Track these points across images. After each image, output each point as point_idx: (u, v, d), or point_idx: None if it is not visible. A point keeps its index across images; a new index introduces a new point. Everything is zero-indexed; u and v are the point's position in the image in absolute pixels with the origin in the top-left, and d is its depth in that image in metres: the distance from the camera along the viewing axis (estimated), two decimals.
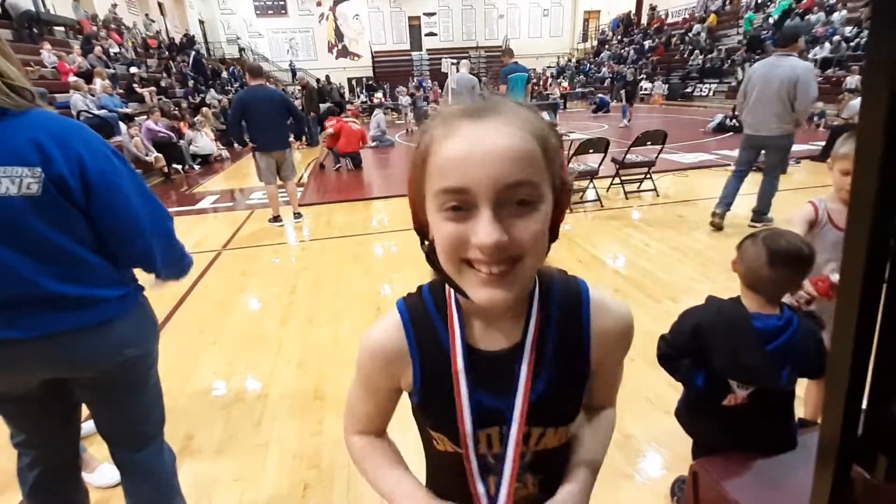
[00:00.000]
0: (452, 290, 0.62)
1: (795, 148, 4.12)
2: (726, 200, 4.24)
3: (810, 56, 12.17)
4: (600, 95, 16.48)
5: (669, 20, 22.22)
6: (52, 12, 12.05)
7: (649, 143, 5.24)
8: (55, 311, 1.05)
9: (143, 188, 1.16)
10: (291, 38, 24.16)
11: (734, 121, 9.57)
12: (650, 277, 3.39)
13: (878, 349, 0.38)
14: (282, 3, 23.50)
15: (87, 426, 1.78)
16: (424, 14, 25.14)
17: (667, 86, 17.62)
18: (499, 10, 25.60)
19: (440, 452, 0.66)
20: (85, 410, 1.31)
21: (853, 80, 10.58)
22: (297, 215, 5.25)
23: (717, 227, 4.26)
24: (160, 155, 8.02)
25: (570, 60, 24.94)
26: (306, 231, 5.03)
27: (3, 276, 0.99)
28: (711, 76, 16.35)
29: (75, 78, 8.58)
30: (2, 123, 0.96)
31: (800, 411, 1.81)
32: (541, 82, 19.09)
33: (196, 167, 9.16)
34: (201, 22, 22.26)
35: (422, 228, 0.57)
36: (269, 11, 23.52)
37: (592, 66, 22.59)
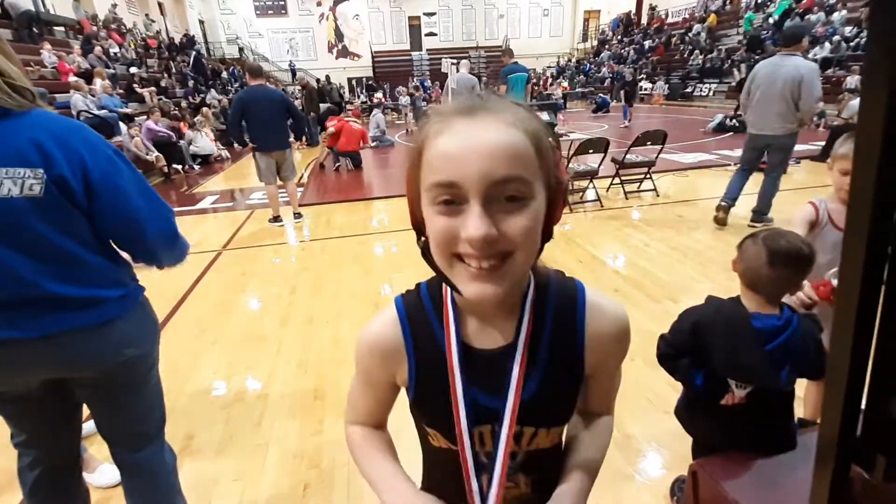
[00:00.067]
0: (449, 288, 0.62)
1: (796, 148, 4.12)
2: (730, 196, 4.25)
3: (810, 56, 12.16)
4: (601, 95, 16.49)
5: (669, 20, 22.23)
6: (51, 12, 12.05)
7: (649, 143, 5.24)
8: (56, 312, 1.05)
9: (146, 187, 1.15)
10: (291, 38, 24.17)
11: (734, 121, 9.57)
12: (650, 277, 3.39)
13: (876, 349, 0.38)
14: (282, 3, 23.51)
15: (88, 426, 1.78)
16: (424, 14, 25.15)
17: (667, 86, 17.61)
18: (499, 10, 25.60)
19: (435, 448, 0.67)
20: (85, 410, 1.31)
21: (853, 80, 10.58)
22: (298, 215, 5.25)
23: (721, 223, 4.28)
24: (160, 154, 8.02)
25: (570, 60, 24.95)
26: (306, 231, 5.03)
27: (3, 277, 0.99)
28: (711, 76, 16.35)
29: (75, 78, 8.58)
30: (3, 123, 0.96)
31: (799, 411, 1.81)
32: (541, 82, 19.08)
33: (196, 167, 9.16)
34: (201, 22, 22.27)
35: (418, 224, 0.57)
36: (269, 11, 23.52)
37: (592, 66, 22.59)
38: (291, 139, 5.09)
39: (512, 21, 25.77)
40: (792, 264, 1.17)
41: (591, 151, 5.04)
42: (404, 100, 15.77)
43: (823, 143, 6.90)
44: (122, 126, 8.06)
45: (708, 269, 3.48)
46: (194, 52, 16.77)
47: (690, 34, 19.04)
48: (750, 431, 1.29)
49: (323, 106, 11.54)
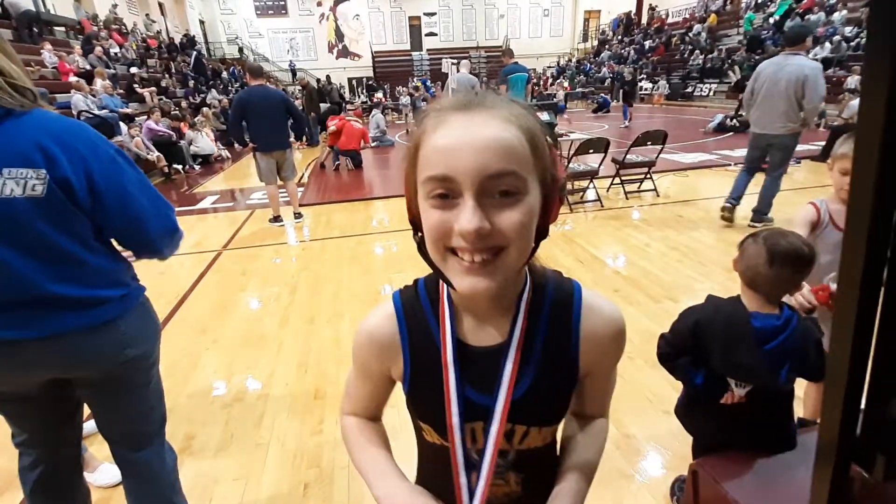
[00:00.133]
0: (445, 285, 0.63)
1: (796, 148, 4.13)
2: (735, 194, 4.28)
3: (810, 56, 12.14)
4: (603, 95, 16.48)
5: (670, 20, 22.22)
6: (52, 12, 12.06)
7: (649, 143, 5.24)
8: (57, 312, 1.05)
9: (148, 186, 1.16)
10: (292, 38, 24.16)
11: (734, 121, 9.57)
12: (650, 277, 3.39)
13: (876, 349, 0.38)
14: (282, 3, 23.51)
15: (88, 426, 1.78)
16: (425, 14, 25.14)
17: (668, 86, 17.60)
18: (499, 10, 25.60)
19: (428, 443, 0.68)
20: (86, 410, 1.31)
21: (853, 80, 10.58)
22: (298, 215, 5.25)
23: (728, 221, 4.31)
24: (160, 154, 8.02)
25: (570, 60, 24.94)
26: (306, 231, 5.03)
27: (5, 278, 0.99)
28: (712, 76, 16.35)
29: (76, 78, 8.58)
30: (5, 124, 0.96)
31: (799, 411, 1.81)
32: (541, 82, 19.08)
33: (196, 167, 9.17)
34: (201, 22, 22.27)
35: (415, 220, 0.58)
36: (270, 11, 23.52)
37: (593, 66, 22.58)
38: (292, 139, 5.09)
39: (512, 21, 25.76)
40: (792, 264, 1.17)
41: (591, 151, 5.04)
42: (404, 100, 15.77)
43: (823, 143, 6.90)
44: (123, 126, 8.07)
45: (708, 268, 3.48)
46: (195, 53, 16.77)
47: (691, 34, 19.03)
48: (750, 431, 1.29)
49: (323, 106, 11.55)
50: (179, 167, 8.61)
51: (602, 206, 5.19)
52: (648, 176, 5.50)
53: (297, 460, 1.93)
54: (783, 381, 1.22)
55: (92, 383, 1.19)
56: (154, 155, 7.89)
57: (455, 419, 0.61)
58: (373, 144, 10.14)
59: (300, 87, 12.34)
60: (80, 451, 1.39)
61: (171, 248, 1.25)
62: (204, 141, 9.71)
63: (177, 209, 6.07)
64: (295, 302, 3.35)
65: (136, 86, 10.82)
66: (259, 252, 4.48)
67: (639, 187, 5.59)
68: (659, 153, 5.41)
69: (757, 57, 13.83)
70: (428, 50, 25.14)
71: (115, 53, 12.22)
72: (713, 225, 4.42)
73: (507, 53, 7.24)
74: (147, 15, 17.64)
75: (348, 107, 12.71)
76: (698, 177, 6.33)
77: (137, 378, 1.23)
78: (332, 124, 8.21)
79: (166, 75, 13.40)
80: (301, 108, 8.71)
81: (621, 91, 13.41)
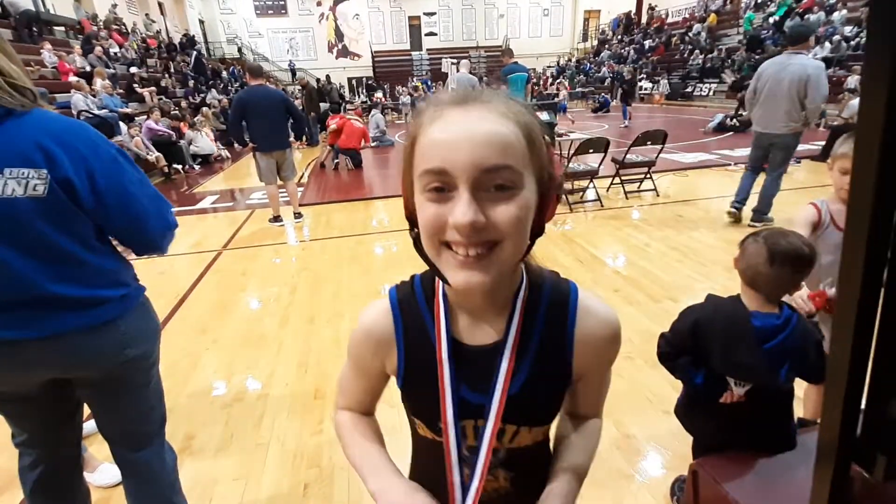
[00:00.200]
0: (440, 283, 0.63)
1: (797, 147, 4.13)
2: (740, 197, 4.31)
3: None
4: (604, 95, 16.48)
5: (670, 20, 22.22)
6: (51, 12, 12.05)
7: (649, 142, 5.25)
8: (57, 312, 1.05)
9: (148, 185, 1.17)
10: (291, 37, 24.16)
11: (734, 120, 9.56)
12: (650, 277, 3.39)
13: (876, 349, 0.38)
14: (282, 2, 23.50)
15: (88, 426, 1.78)
16: (424, 14, 25.14)
17: (668, 85, 17.57)
18: (499, 10, 25.59)
19: (421, 436, 0.69)
20: (86, 410, 1.31)
21: (853, 80, 10.58)
22: (298, 215, 5.25)
23: (736, 220, 4.34)
24: (160, 154, 8.02)
25: (570, 60, 24.93)
26: (306, 231, 5.03)
27: (5, 277, 0.99)
28: (711, 76, 16.34)
29: (76, 78, 8.58)
30: (6, 124, 0.96)
31: (799, 411, 1.82)
32: (541, 82, 19.08)
33: (196, 167, 9.16)
34: (201, 22, 22.26)
35: (412, 215, 0.57)
36: (269, 11, 23.52)
37: (593, 66, 22.58)
38: (291, 139, 5.09)
39: (512, 21, 25.76)
40: (792, 264, 1.17)
41: (591, 151, 5.04)
42: (404, 99, 15.77)
43: (823, 142, 6.90)
44: (123, 126, 8.06)
45: (708, 268, 3.48)
46: (195, 52, 16.76)
47: (690, 34, 19.03)
48: (749, 431, 1.29)
49: (323, 106, 11.55)
50: (179, 167, 8.61)
51: (602, 205, 5.19)
52: (648, 176, 5.51)
53: (297, 460, 1.93)
54: (782, 381, 1.22)
55: (92, 383, 1.19)
56: (154, 155, 7.89)
57: (450, 417, 0.61)
58: (373, 144, 10.14)
59: (300, 87, 12.35)
60: (80, 451, 1.39)
61: (169, 243, 1.26)
62: (204, 141, 9.71)
63: (177, 209, 6.09)
64: (295, 302, 3.35)
65: (135, 85, 10.81)
66: (259, 252, 4.48)
67: (639, 187, 5.59)
68: (659, 153, 5.41)
69: (757, 57, 13.83)
70: (428, 50, 25.13)
71: (115, 53, 12.21)
72: (713, 225, 4.43)
73: (506, 53, 7.24)
74: (147, 15, 17.64)
75: (348, 106, 12.71)
76: (698, 177, 6.33)
77: (137, 378, 1.23)
78: (333, 123, 8.22)
79: (166, 75, 13.39)
80: (301, 107, 8.72)
81: (620, 90, 13.41)
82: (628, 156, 5.28)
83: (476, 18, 25.54)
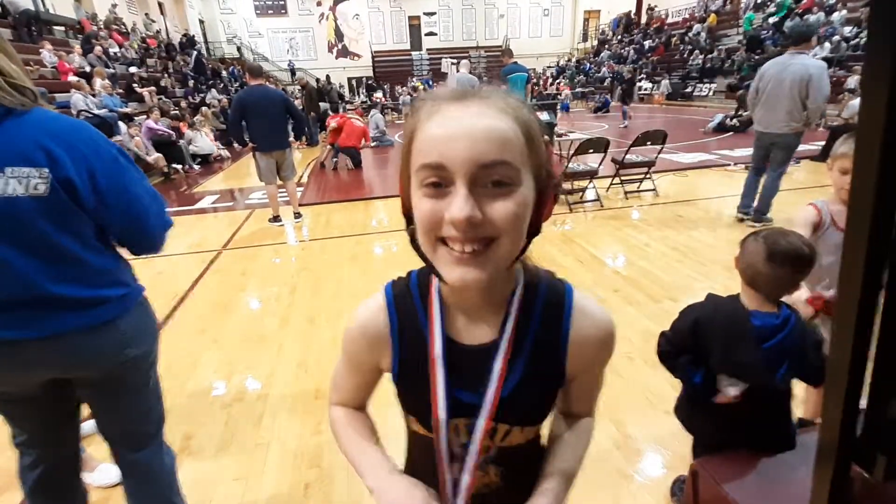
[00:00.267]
0: (436, 281, 0.63)
1: (798, 147, 4.13)
2: (747, 201, 4.31)
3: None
4: (605, 96, 16.49)
5: (669, 20, 22.22)
6: (51, 11, 12.04)
7: (649, 143, 5.25)
8: (57, 312, 1.05)
9: (147, 185, 1.18)
10: (291, 37, 24.16)
11: (734, 120, 9.57)
12: (650, 277, 3.39)
13: (877, 349, 0.38)
14: (282, 2, 23.49)
15: (88, 426, 1.78)
16: (424, 14, 25.14)
17: (669, 85, 17.55)
18: (499, 10, 25.60)
19: (413, 431, 0.69)
20: (85, 410, 1.31)
21: (853, 81, 10.58)
22: (297, 215, 5.25)
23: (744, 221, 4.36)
24: (160, 155, 8.01)
25: (570, 60, 24.93)
26: (306, 231, 5.03)
27: (6, 277, 0.99)
28: (711, 76, 16.35)
29: (76, 78, 8.57)
30: (7, 123, 0.96)
31: (800, 411, 1.82)
32: (541, 82, 19.08)
33: (196, 167, 9.16)
34: (201, 22, 22.25)
35: (408, 212, 0.57)
36: (269, 11, 23.51)
37: (592, 66, 22.58)
38: (291, 139, 5.08)
39: (512, 21, 25.76)
40: (791, 263, 1.17)
41: (591, 151, 5.04)
42: (405, 99, 15.77)
43: (823, 143, 6.90)
44: (122, 125, 8.06)
45: (707, 268, 3.48)
46: (195, 52, 16.76)
47: (690, 34, 19.03)
48: (748, 430, 1.29)
49: (323, 105, 11.55)
50: (179, 167, 8.60)
51: (602, 206, 5.19)
52: (648, 176, 5.51)
53: (297, 460, 1.93)
54: (780, 381, 1.22)
55: (92, 383, 1.18)
56: (153, 156, 7.87)
57: (442, 414, 0.62)
58: (372, 144, 10.14)
59: (300, 87, 12.35)
60: (80, 452, 1.39)
61: (164, 242, 1.26)
62: (203, 141, 9.70)
63: (176, 209, 6.09)
64: (295, 302, 3.35)
65: (135, 85, 10.81)
66: (259, 252, 4.48)
67: (638, 187, 5.59)
68: (658, 153, 5.41)
69: (757, 57, 13.83)
70: (428, 50, 25.13)
71: (115, 53, 12.21)
72: (713, 225, 4.43)
73: (506, 53, 7.24)
74: (147, 14, 17.63)
75: (348, 106, 12.71)
76: (698, 177, 6.33)
77: (137, 378, 1.23)
78: (333, 122, 8.22)
79: (165, 75, 13.39)
80: (301, 107, 8.72)
81: (619, 90, 13.41)
82: (628, 156, 5.28)
83: (476, 18, 25.55)
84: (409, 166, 0.54)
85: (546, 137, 0.55)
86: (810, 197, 1.65)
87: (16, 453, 1.29)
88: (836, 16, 13.44)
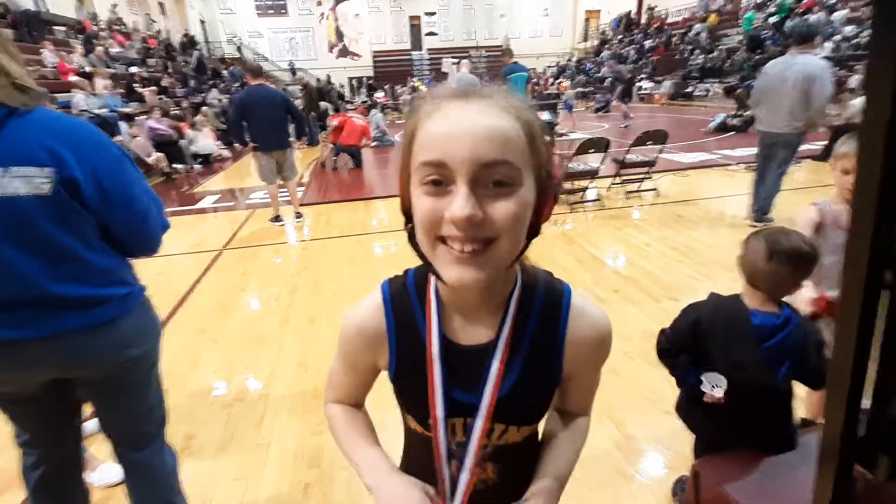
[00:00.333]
0: (433, 280, 0.63)
1: (800, 147, 4.12)
2: (758, 206, 4.24)
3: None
4: (607, 96, 16.48)
5: (670, 20, 22.21)
6: (52, 12, 12.05)
7: (650, 142, 5.24)
8: (59, 312, 1.05)
9: (147, 186, 1.18)
10: (292, 37, 24.15)
11: (736, 120, 9.56)
12: (650, 277, 3.39)
13: (879, 350, 0.38)
14: (282, 2, 23.49)
15: (89, 426, 1.78)
16: (425, 13, 25.13)
17: (670, 84, 17.51)
18: (499, 10, 25.59)
19: (412, 430, 0.70)
20: (86, 410, 1.31)
21: (854, 80, 10.57)
22: (298, 215, 5.25)
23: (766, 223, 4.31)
24: (161, 155, 8.01)
25: (570, 60, 24.92)
26: (307, 231, 5.03)
27: (9, 277, 0.99)
28: (712, 76, 16.33)
29: (77, 78, 8.58)
30: (11, 123, 0.96)
31: (801, 411, 1.81)
32: (541, 82, 19.08)
33: (197, 167, 9.16)
34: (202, 21, 22.26)
35: (407, 210, 0.57)
36: (270, 11, 23.51)
37: (593, 66, 22.57)
38: (292, 139, 5.09)
39: (512, 20, 25.74)
40: (790, 261, 1.17)
41: (591, 151, 5.04)
42: (406, 98, 15.77)
43: (824, 142, 6.90)
44: (123, 125, 8.06)
45: (708, 268, 3.48)
46: (197, 53, 16.76)
47: (691, 34, 19.02)
48: (750, 430, 1.29)
49: (323, 105, 11.55)
50: (179, 167, 8.60)
51: (602, 205, 5.18)
52: (649, 176, 5.50)
53: (297, 460, 1.93)
54: (781, 380, 1.22)
55: (92, 383, 1.19)
56: (153, 157, 7.86)
57: (439, 414, 0.62)
58: (373, 144, 10.14)
59: (300, 87, 12.35)
60: (81, 451, 1.39)
61: (161, 243, 1.27)
62: (204, 140, 9.71)
63: (177, 209, 6.09)
64: (295, 302, 3.35)
65: (136, 85, 10.81)
66: (259, 252, 4.48)
67: (639, 187, 5.59)
68: (659, 153, 5.41)
69: (757, 57, 13.82)
70: (428, 49, 25.12)
71: (116, 53, 12.22)
72: (713, 225, 4.43)
73: (507, 53, 7.23)
74: (147, 14, 17.64)
75: (348, 106, 12.71)
76: (699, 177, 6.33)
77: (138, 378, 1.23)
78: (335, 121, 8.22)
79: (166, 75, 13.39)
80: (301, 107, 8.72)
81: (619, 89, 13.40)
82: (629, 156, 5.28)
83: (476, 18, 25.53)
84: (410, 164, 0.53)
85: (548, 138, 0.55)
86: (812, 197, 1.65)
87: (17, 453, 1.30)
88: (837, 15, 13.43)
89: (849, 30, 12.68)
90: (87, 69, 9.71)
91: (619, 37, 23.94)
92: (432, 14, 25.23)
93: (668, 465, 1.81)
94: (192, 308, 3.35)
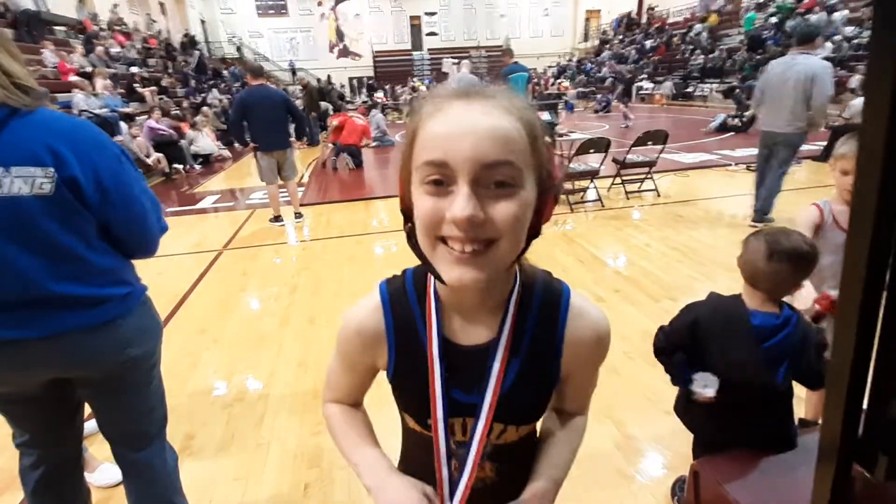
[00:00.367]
0: (432, 280, 0.63)
1: (801, 147, 4.12)
2: (756, 206, 4.24)
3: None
4: (608, 96, 16.49)
5: (670, 20, 22.21)
6: (52, 12, 12.06)
7: (650, 142, 5.24)
8: (60, 311, 1.05)
9: (146, 187, 1.19)
10: (292, 37, 24.16)
11: (736, 120, 9.56)
12: (650, 277, 3.39)
13: (879, 349, 0.38)
14: (282, 2, 23.50)
15: (89, 426, 1.78)
16: (425, 13, 25.14)
17: (672, 86, 17.49)
18: (500, 10, 25.59)
19: (410, 429, 0.70)
20: (86, 410, 1.31)
21: (855, 80, 10.56)
22: (298, 215, 5.25)
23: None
24: (161, 155, 8.01)
25: (570, 60, 24.92)
26: (307, 231, 5.03)
27: (10, 277, 0.99)
28: (713, 76, 16.32)
29: (77, 78, 8.58)
30: (13, 123, 0.96)
31: (801, 411, 1.81)
32: (541, 82, 19.07)
33: (197, 167, 9.16)
34: (202, 21, 22.27)
35: (407, 209, 0.57)
36: (270, 11, 23.52)
37: (593, 66, 22.57)
38: (292, 139, 5.09)
39: (513, 21, 25.75)
40: (790, 261, 1.17)
41: (592, 151, 5.04)
42: (406, 97, 15.76)
43: (824, 143, 6.89)
44: (123, 125, 8.06)
45: (708, 268, 3.48)
46: (198, 53, 16.77)
47: (691, 34, 19.02)
48: (750, 430, 1.29)
49: (323, 105, 11.56)
50: (180, 167, 8.61)
51: (603, 206, 5.18)
52: (649, 176, 5.50)
53: (297, 460, 1.93)
54: (780, 381, 1.22)
55: (93, 383, 1.19)
56: (153, 157, 7.86)
57: (439, 415, 0.62)
58: (373, 144, 10.14)
59: (301, 87, 12.36)
60: (81, 451, 1.39)
61: (158, 245, 1.27)
62: (204, 140, 9.71)
63: (177, 209, 6.10)
64: (295, 302, 3.35)
65: (136, 85, 10.81)
66: (259, 252, 4.48)
67: (639, 187, 5.59)
68: (659, 153, 5.41)
69: (758, 57, 13.81)
70: (429, 49, 25.13)
71: (116, 53, 12.22)
72: (713, 225, 4.43)
73: (507, 53, 7.23)
74: (148, 14, 17.65)
75: (348, 106, 12.72)
76: (699, 177, 6.33)
77: (138, 378, 1.23)
78: (335, 120, 8.23)
79: (166, 75, 13.40)
80: (302, 107, 8.72)
81: (619, 90, 13.41)
82: (629, 156, 5.28)
83: (477, 18, 25.53)
84: (411, 163, 0.53)
85: (549, 139, 0.55)
86: (812, 197, 1.65)
87: (16, 453, 1.29)
88: (837, 15, 13.42)
89: (849, 30, 12.67)
90: (88, 69, 9.71)
91: (620, 37, 23.93)
92: (433, 14, 25.24)
93: (668, 465, 1.81)
94: (193, 308, 3.36)
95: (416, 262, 0.61)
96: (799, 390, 1.33)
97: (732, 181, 5.94)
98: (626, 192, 5.41)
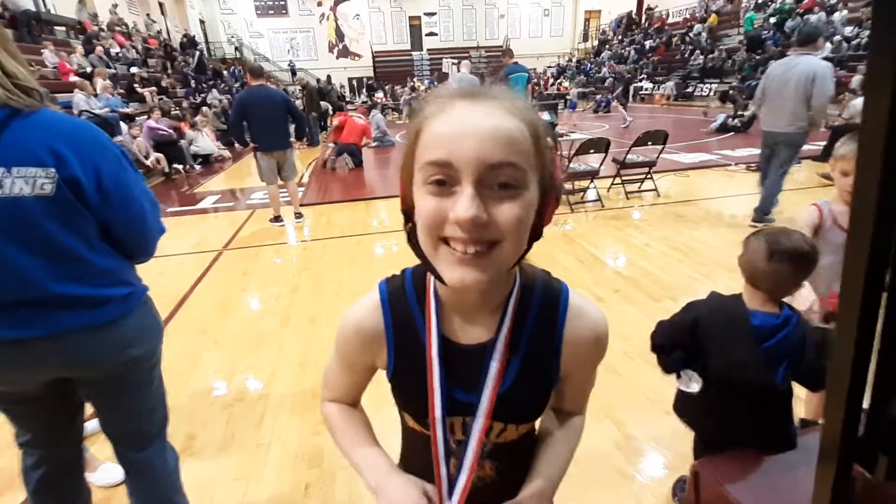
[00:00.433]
0: (432, 280, 0.63)
1: (802, 147, 4.12)
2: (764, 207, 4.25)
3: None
4: (608, 96, 16.50)
5: (670, 20, 22.22)
6: (52, 12, 12.06)
7: (650, 143, 5.24)
8: (61, 312, 1.05)
9: (145, 188, 1.19)
10: (292, 37, 24.18)
11: (736, 120, 9.56)
12: (650, 277, 3.39)
13: (879, 349, 0.38)
14: (282, 2, 23.52)
15: (90, 426, 1.78)
16: (425, 14, 25.15)
17: (673, 86, 17.48)
18: (499, 10, 25.60)
19: (409, 428, 0.70)
20: (87, 409, 1.31)
21: (855, 80, 10.56)
22: (298, 215, 5.25)
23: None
24: (160, 156, 8.01)
25: (570, 60, 24.93)
26: (307, 231, 5.03)
27: (11, 277, 0.99)
28: (712, 76, 16.32)
29: (78, 78, 8.58)
30: (14, 123, 0.96)
31: (801, 411, 1.81)
32: (541, 82, 19.08)
33: (197, 167, 9.16)
34: (202, 22, 22.28)
35: (408, 209, 0.57)
36: (270, 11, 23.54)
37: (593, 66, 22.57)
38: (292, 139, 5.09)
39: (512, 21, 25.76)
40: (790, 260, 1.17)
41: (591, 151, 5.04)
42: (406, 98, 15.76)
43: (824, 143, 6.89)
44: (123, 126, 8.07)
45: (708, 268, 3.48)
46: (198, 53, 16.77)
47: (691, 34, 19.02)
48: (750, 430, 1.29)
49: (323, 105, 11.57)
50: (180, 167, 8.61)
51: (603, 206, 5.18)
52: (649, 176, 5.50)
53: (297, 460, 1.93)
54: (780, 381, 1.22)
55: (94, 383, 1.19)
56: (152, 158, 7.86)
57: (438, 414, 0.62)
58: (373, 144, 10.14)
59: (300, 87, 12.37)
60: (82, 452, 1.39)
61: (156, 247, 1.27)
62: (204, 141, 9.71)
63: (177, 209, 6.10)
64: (296, 302, 3.35)
65: (136, 86, 10.82)
66: (260, 252, 4.48)
67: (639, 187, 5.59)
68: (659, 153, 5.41)
69: (758, 57, 13.81)
70: (428, 50, 25.15)
71: (116, 53, 12.23)
72: (713, 225, 4.42)
73: (507, 53, 7.23)
74: (148, 15, 17.66)
75: (348, 107, 12.73)
76: (699, 177, 6.33)
77: (139, 378, 1.23)
78: (336, 120, 8.23)
79: (166, 75, 13.40)
80: (301, 107, 8.72)
81: (619, 90, 13.41)
82: (629, 156, 5.28)
83: (476, 19, 25.55)
84: (413, 162, 0.53)
85: (550, 141, 0.55)
86: (812, 197, 1.65)
87: (17, 453, 1.30)
88: (837, 16, 13.42)
89: (849, 30, 12.67)
90: (88, 69, 9.71)
91: (620, 37, 23.93)
92: (432, 14, 25.25)
93: (668, 465, 1.81)
94: (193, 308, 3.36)
95: (415, 261, 0.61)
96: (799, 390, 1.33)
97: (732, 181, 5.94)
98: (626, 193, 5.41)
